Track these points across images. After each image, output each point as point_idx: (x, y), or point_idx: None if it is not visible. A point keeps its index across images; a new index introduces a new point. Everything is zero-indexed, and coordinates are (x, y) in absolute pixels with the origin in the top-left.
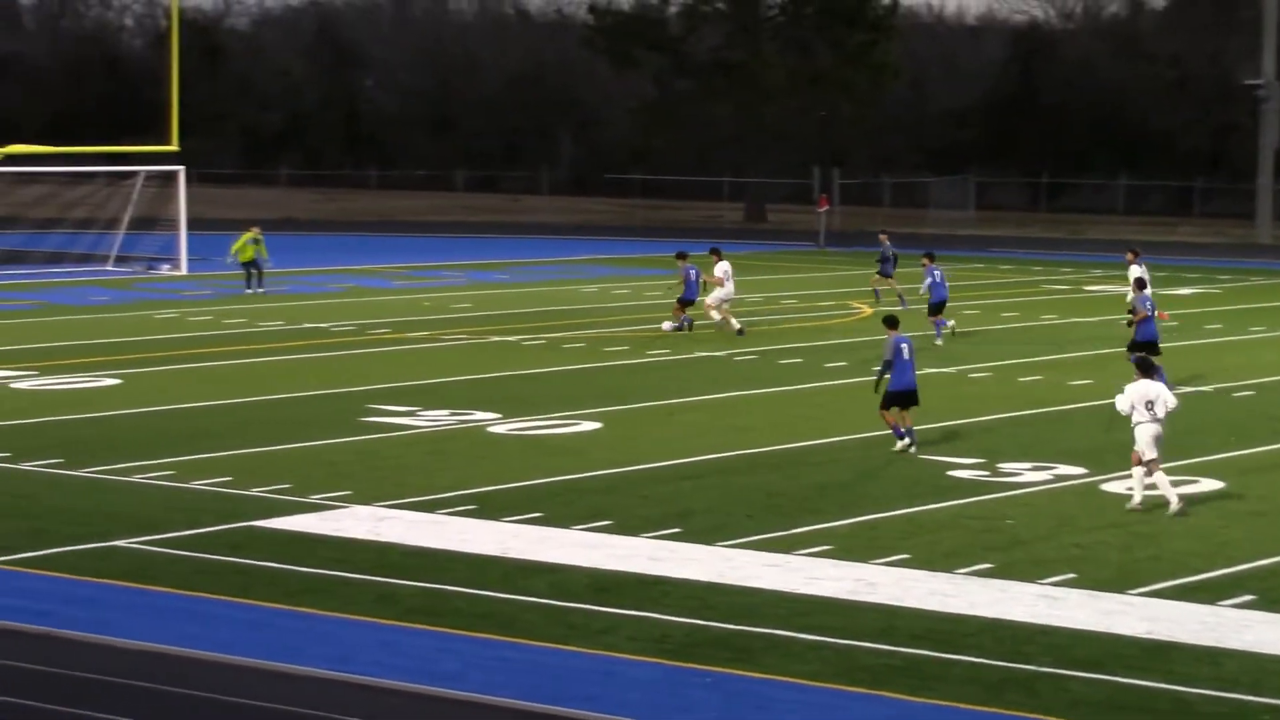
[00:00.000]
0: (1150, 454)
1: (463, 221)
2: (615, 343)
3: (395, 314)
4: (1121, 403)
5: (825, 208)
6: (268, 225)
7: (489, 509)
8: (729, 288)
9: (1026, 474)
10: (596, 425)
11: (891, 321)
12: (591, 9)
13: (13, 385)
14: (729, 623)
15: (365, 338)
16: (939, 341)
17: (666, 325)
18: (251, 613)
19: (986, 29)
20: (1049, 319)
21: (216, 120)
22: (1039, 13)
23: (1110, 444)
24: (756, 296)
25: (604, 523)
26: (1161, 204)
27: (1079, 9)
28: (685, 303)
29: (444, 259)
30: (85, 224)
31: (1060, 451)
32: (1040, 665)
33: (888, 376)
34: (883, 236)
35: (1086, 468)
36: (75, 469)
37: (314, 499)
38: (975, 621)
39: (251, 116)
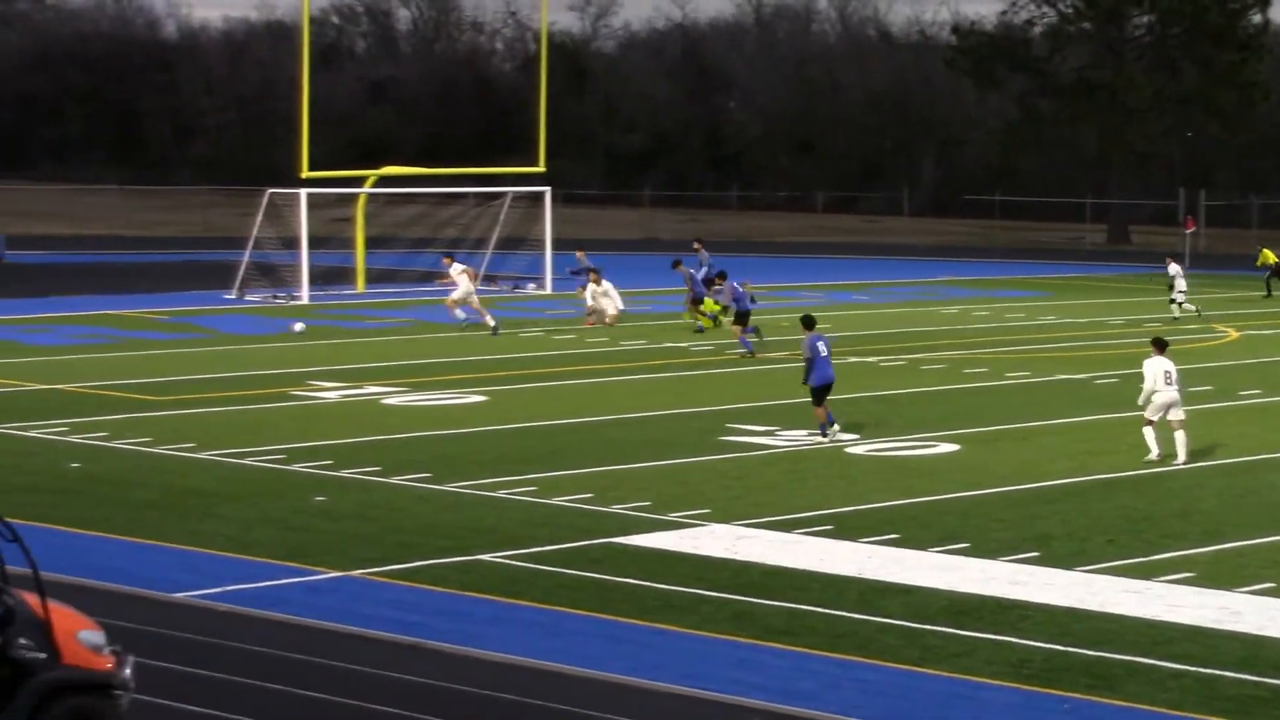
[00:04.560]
0: (1175, 415)
1: (822, 242)
2: (974, 364)
3: None
4: (1148, 380)
5: (1191, 229)
6: (631, 246)
7: (846, 529)
8: (466, 285)
9: None
10: (955, 447)
11: (808, 321)
12: (955, 29)
13: (384, 401)
14: (1089, 649)
15: (724, 357)
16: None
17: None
18: (611, 628)
19: None
20: None
21: (582, 142)
22: None
23: None
24: (1119, 320)
25: (961, 545)
26: None
27: None
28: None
29: (803, 279)
30: (454, 244)
31: None
32: None
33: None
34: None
35: None
36: (442, 484)
37: (673, 517)
38: None
39: (616, 138)
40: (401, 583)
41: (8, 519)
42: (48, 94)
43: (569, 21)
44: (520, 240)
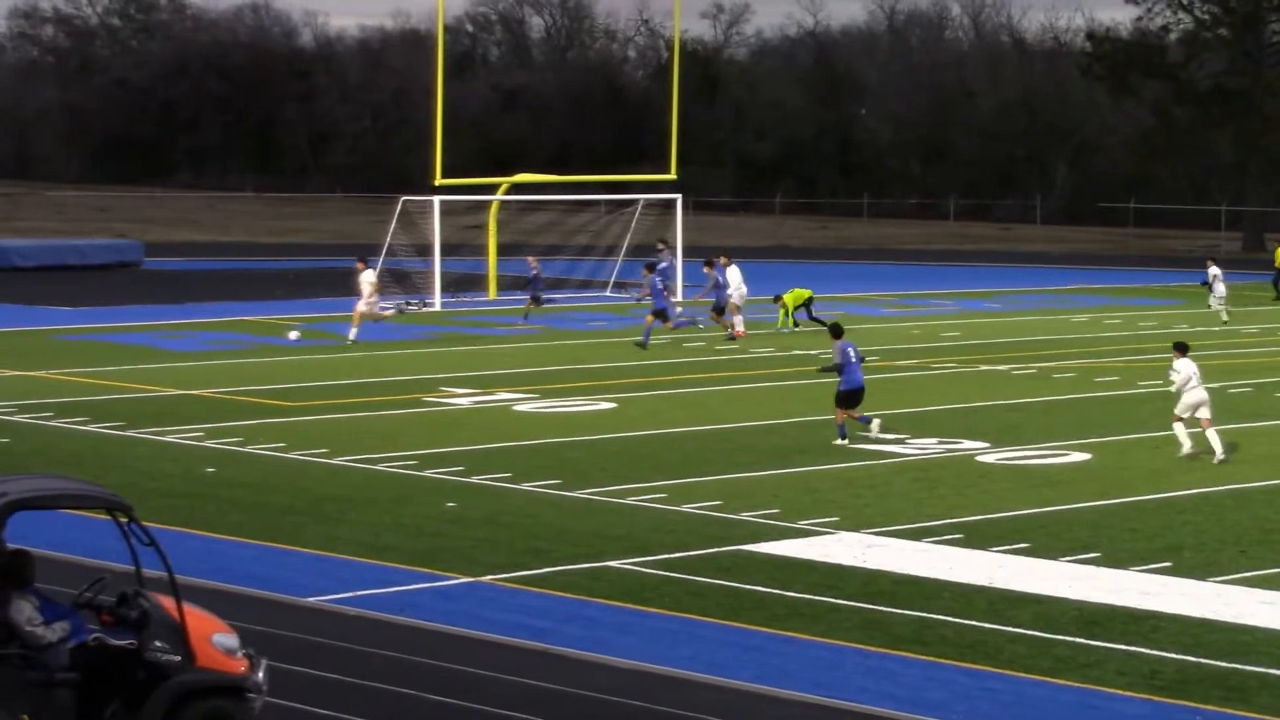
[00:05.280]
0: (1204, 414)
1: (953, 250)
2: (1106, 373)
3: (884, 342)
4: (1179, 377)
5: None
6: (761, 253)
7: (976, 538)
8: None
9: None
10: (1086, 456)
11: (836, 330)
12: (1089, 36)
13: (515, 408)
14: (1222, 660)
15: None
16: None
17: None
18: (741, 635)
19: None
20: None
21: (713, 149)
22: None
23: None
24: (1253, 328)
25: (1092, 555)
26: None
27: None
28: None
29: (934, 287)
30: (585, 251)
31: None
32: None
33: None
34: (533, 259)
35: None
36: (571, 490)
37: (802, 524)
38: None
39: (747, 145)
40: (531, 589)
41: (144, 523)
42: (187, 102)
43: (701, 29)
44: (651, 247)
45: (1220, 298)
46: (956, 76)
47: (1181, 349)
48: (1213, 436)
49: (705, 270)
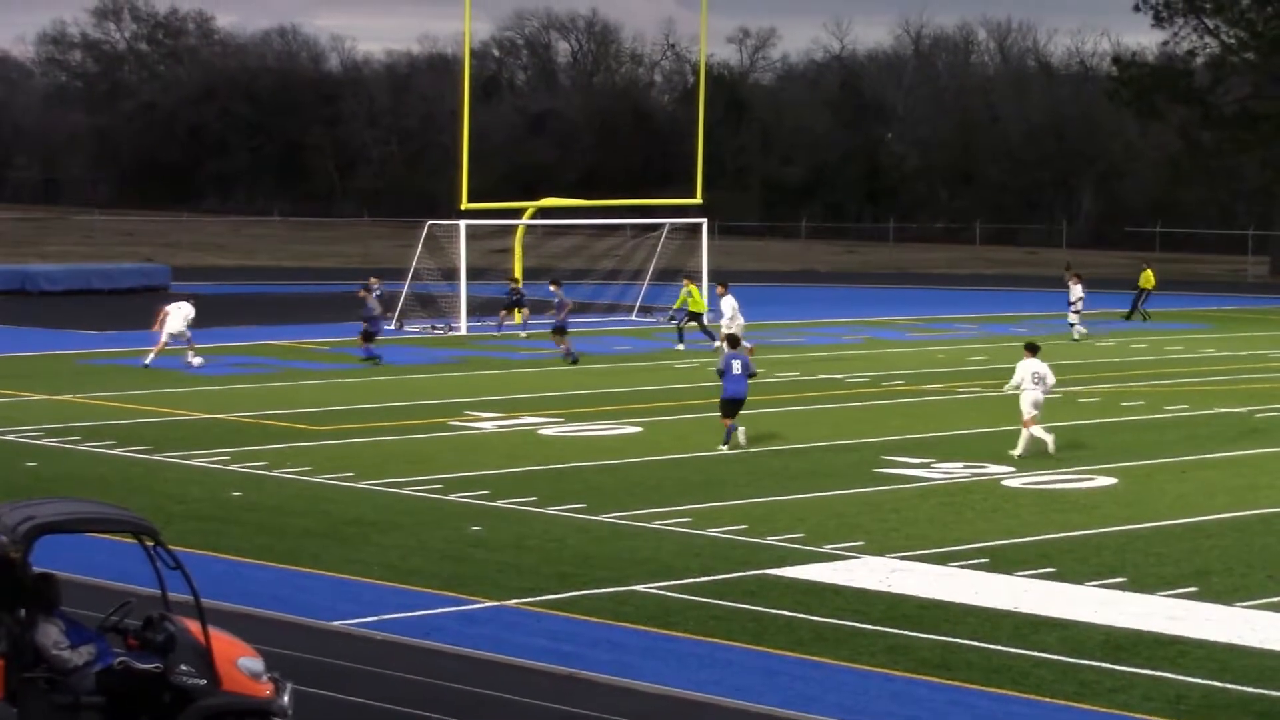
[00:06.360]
0: (1031, 413)
1: (979, 274)
2: (1132, 397)
3: (910, 366)
4: (1016, 376)
5: None
6: (787, 277)
7: (1001, 563)
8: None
9: None
10: (1112, 481)
11: (732, 340)
12: (1116, 60)
13: (540, 432)
14: (1249, 685)
15: (880, 389)
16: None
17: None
18: (766, 660)
19: None
20: None
21: (739, 174)
22: None
23: None
24: None
25: (1118, 580)
26: None
27: None
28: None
29: (960, 311)
30: (611, 275)
31: None
32: None
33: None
34: (369, 285)
35: None
36: (597, 514)
37: (827, 549)
38: None
39: (773, 170)
40: (557, 613)
41: (170, 546)
42: (214, 127)
43: (728, 54)
44: (677, 272)
45: (1074, 310)
46: (983, 101)
47: (1032, 349)
48: (1040, 431)
49: (551, 289)
